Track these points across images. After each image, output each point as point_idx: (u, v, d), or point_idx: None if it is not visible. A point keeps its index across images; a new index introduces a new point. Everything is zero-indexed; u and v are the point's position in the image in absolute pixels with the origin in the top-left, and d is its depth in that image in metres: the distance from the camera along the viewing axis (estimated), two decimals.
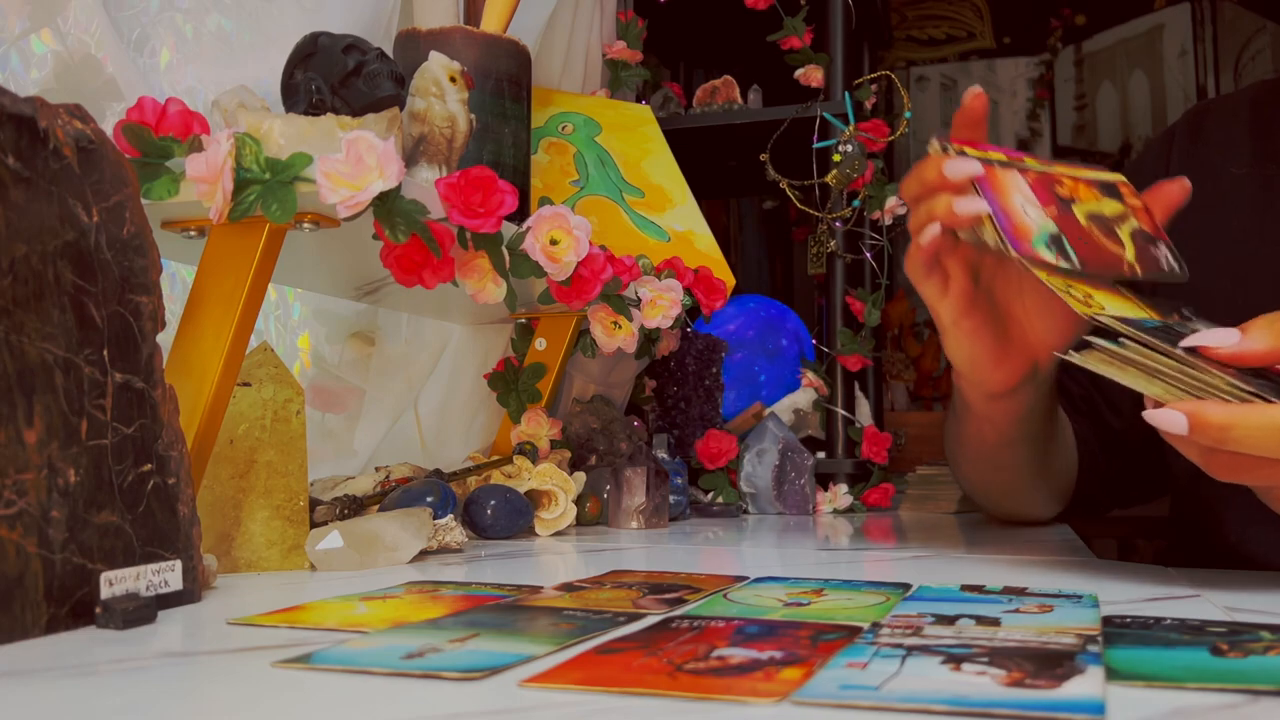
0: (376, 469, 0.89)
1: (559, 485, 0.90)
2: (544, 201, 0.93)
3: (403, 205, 0.64)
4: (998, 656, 0.38)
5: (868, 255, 1.31)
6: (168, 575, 0.50)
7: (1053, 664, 0.37)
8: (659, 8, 1.46)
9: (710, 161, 1.53)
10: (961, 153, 0.64)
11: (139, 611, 0.46)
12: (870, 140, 1.27)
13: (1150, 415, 0.53)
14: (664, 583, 0.58)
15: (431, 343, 1.09)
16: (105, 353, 0.48)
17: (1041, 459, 0.84)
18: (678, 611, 0.49)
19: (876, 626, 0.44)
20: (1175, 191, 0.68)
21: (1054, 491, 0.90)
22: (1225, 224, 0.82)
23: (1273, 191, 0.81)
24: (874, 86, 1.35)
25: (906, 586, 0.56)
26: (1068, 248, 0.61)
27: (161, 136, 0.61)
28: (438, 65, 0.80)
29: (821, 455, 1.29)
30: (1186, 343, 0.52)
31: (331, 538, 0.64)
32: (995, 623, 0.45)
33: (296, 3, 0.93)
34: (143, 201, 0.53)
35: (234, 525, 0.63)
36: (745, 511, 1.17)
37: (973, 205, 0.62)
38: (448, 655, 0.39)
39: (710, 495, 1.19)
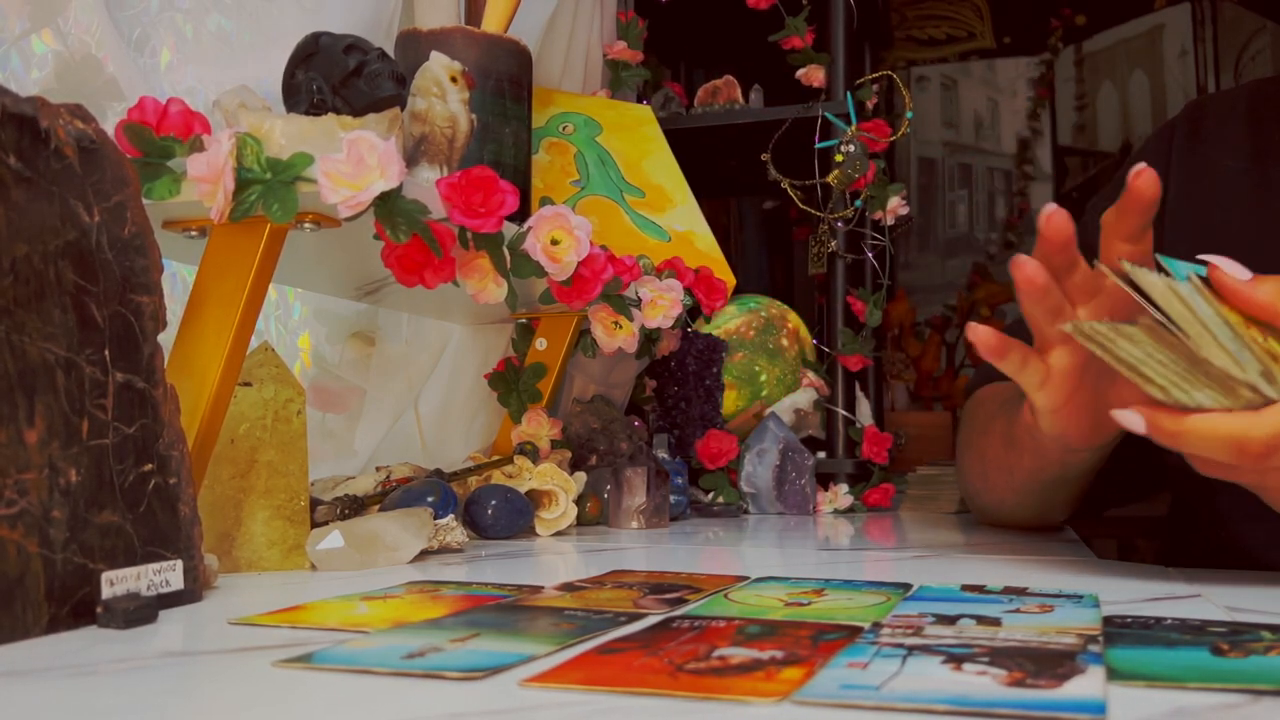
0: (377, 469, 0.89)
1: (559, 485, 0.90)
2: (545, 201, 0.93)
3: (404, 205, 0.64)
4: (998, 656, 0.38)
5: (869, 255, 1.31)
6: (169, 575, 0.50)
7: (1054, 664, 0.37)
8: (659, 8, 1.46)
9: (711, 161, 1.53)
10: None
11: (140, 611, 0.46)
12: (872, 140, 1.27)
13: (1115, 414, 0.55)
14: (665, 583, 0.58)
15: (432, 343, 1.09)
16: (106, 352, 0.48)
17: (1084, 487, 0.83)
18: (678, 611, 0.49)
19: (877, 626, 0.44)
20: (1145, 191, 0.59)
21: (1074, 504, 0.89)
22: (1223, 219, 0.82)
23: (1270, 187, 0.81)
24: (875, 86, 1.34)
25: (907, 586, 0.56)
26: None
27: (163, 136, 0.61)
28: (439, 65, 0.80)
29: (822, 455, 1.29)
30: (1203, 255, 0.53)
31: (332, 538, 0.64)
32: (996, 623, 0.45)
33: (297, 3, 0.93)
34: (144, 201, 0.53)
35: (235, 525, 0.63)
36: (746, 511, 1.17)
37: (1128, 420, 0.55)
38: (448, 655, 0.39)
39: (711, 495, 1.19)
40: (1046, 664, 0.37)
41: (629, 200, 1.22)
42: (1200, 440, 0.52)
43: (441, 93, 0.80)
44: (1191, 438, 0.52)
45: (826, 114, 1.28)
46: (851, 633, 0.43)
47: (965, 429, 0.96)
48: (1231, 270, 0.53)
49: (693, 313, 1.12)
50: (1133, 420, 0.54)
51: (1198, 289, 0.53)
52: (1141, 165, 0.57)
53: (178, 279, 0.90)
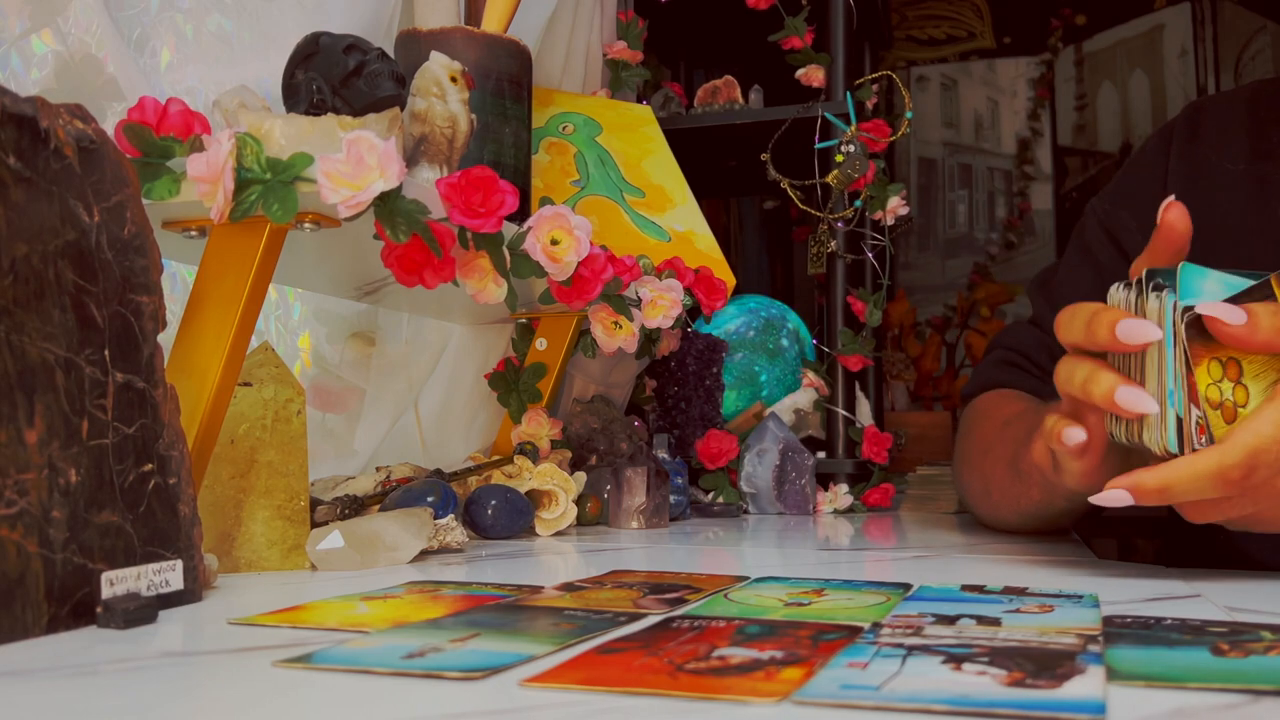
0: (377, 469, 0.89)
1: (559, 485, 0.90)
2: (545, 201, 0.93)
3: (404, 205, 0.64)
4: (998, 656, 0.38)
5: (869, 255, 1.31)
6: (169, 575, 0.50)
7: (1053, 664, 0.37)
8: (659, 8, 1.46)
9: (711, 161, 1.53)
10: (1156, 286, 0.55)
11: (140, 611, 0.46)
12: (872, 140, 1.27)
13: (1096, 499, 0.56)
14: (665, 583, 0.58)
15: (432, 343, 1.09)
16: (106, 353, 0.48)
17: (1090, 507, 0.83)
18: (678, 611, 0.49)
19: (877, 626, 0.44)
20: (1176, 225, 0.58)
21: (1077, 519, 0.89)
22: (1222, 220, 0.82)
23: (1269, 188, 0.81)
24: (875, 86, 1.35)
25: (907, 586, 0.57)
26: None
27: (162, 136, 0.61)
28: (438, 65, 0.80)
29: (822, 455, 1.29)
30: (1200, 309, 0.54)
31: (332, 538, 0.64)
32: (996, 623, 0.45)
33: (297, 3, 0.93)
34: (144, 201, 0.53)
35: (235, 525, 0.63)
36: (745, 511, 1.17)
37: (1139, 402, 0.54)
38: (449, 655, 0.39)
39: (711, 495, 1.19)
40: (1046, 664, 0.37)
41: (629, 200, 1.22)
42: (1186, 484, 0.53)
43: (441, 93, 0.80)
44: (1178, 486, 0.53)
45: (826, 114, 1.28)
46: (851, 633, 0.43)
47: (964, 441, 0.95)
48: (1229, 317, 0.53)
49: (693, 313, 1.12)
50: (1119, 497, 0.55)
51: (1176, 327, 0.54)
52: (1171, 199, 0.57)
53: (178, 279, 0.90)
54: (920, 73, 3.38)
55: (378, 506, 0.78)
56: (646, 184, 1.24)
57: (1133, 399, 0.54)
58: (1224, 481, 0.53)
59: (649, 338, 1.13)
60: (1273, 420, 0.52)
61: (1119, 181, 0.92)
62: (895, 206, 1.30)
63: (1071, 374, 0.58)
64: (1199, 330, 0.54)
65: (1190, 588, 0.57)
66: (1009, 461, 0.80)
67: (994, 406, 0.90)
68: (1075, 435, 0.58)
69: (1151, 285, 0.55)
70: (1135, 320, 0.54)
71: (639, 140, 1.27)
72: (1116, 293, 0.57)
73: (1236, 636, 0.42)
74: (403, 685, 0.35)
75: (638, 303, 0.97)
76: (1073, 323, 0.58)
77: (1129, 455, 0.61)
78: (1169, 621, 0.46)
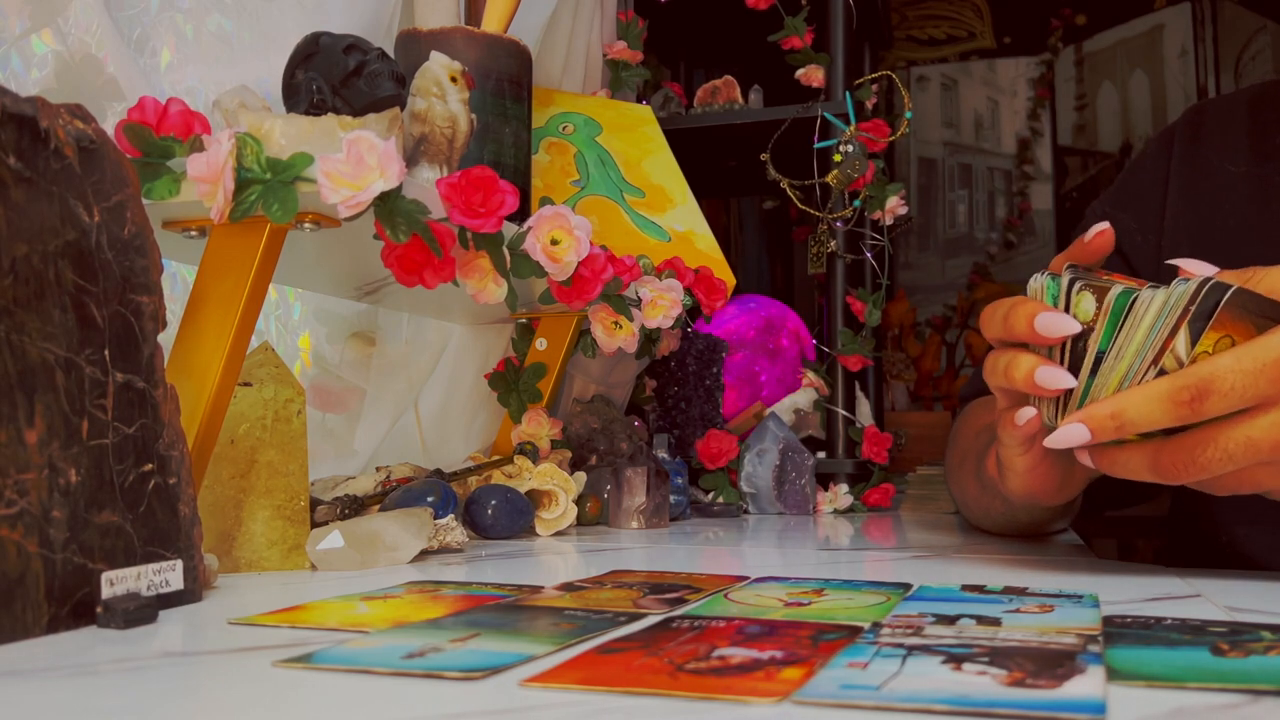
0: (377, 469, 0.89)
1: (559, 485, 0.90)
2: (545, 201, 0.93)
3: (404, 205, 0.64)
4: (998, 656, 0.38)
5: (868, 255, 1.31)
6: (169, 575, 0.50)
7: (1053, 664, 0.37)
8: (659, 8, 1.46)
9: (710, 161, 1.53)
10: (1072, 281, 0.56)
11: (140, 611, 0.46)
12: (871, 140, 1.27)
13: (1050, 441, 0.55)
14: (665, 583, 0.58)
15: (432, 343, 1.09)
16: (106, 352, 0.48)
17: (1068, 514, 0.84)
18: (678, 611, 0.49)
19: (877, 626, 0.44)
20: (1104, 248, 0.60)
21: (1060, 521, 0.90)
22: (1223, 222, 0.82)
23: (1269, 190, 0.81)
24: (875, 86, 1.35)
25: (907, 586, 0.57)
26: None
27: (163, 136, 0.61)
28: (439, 65, 0.80)
29: (822, 455, 1.29)
30: (1172, 260, 0.55)
31: (332, 537, 0.64)
32: (996, 623, 0.45)
33: (297, 3, 0.93)
34: (144, 201, 0.53)
35: (235, 525, 0.63)
36: (745, 511, 1.17)
37: (1057, 379, 0.55)
38: (449, 655, 0.39)
39: (711, 495, 1.19)
40: (1046, 664, 0.37)
41: (629, 200, 1.22)
42: (1139, 407, 0.53)
43: (441, 93, 0.80)
44: (1130, 410, 0.53)
45: (825, 114, 1.28)
46: (851, 633, 0.43)
47: (949, 448, 0.96)
48: (1196, 267, 0.54)
49: (693, 313, 1.12)
50: (1075, 432, 0.54)
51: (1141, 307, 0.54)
52: (1104, 225, 0.58)
53: (178, 279, 0.90)
54: (920, 73, 3.38)
55: (378, 506, 0.78)
56: (646, 184, 1.24)
57: (1051, 377, 0.55)
58: (1175, 403, 0.52)
59: (649, 338, 1.13)
60: (1232, 356, 0.52)
61: (1120, 184, 0.92)
62: (894, 206, 1.30)
63: (994, 364, 0.58)
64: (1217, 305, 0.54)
65: (1190, 588, 0.57)
66: (975, 476, 0.81)
67: (975, 416, 0.91)
68: (1025, 414, 0.58)
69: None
70: (1053, 313, 0.55)
71: (639, 140, 1.27)
72: (1036, 281, 0.57)
73: (1236, 636, 0.42)
74: (403, 685, 0.35)
75: (638, 303, 0.97)
76: (993, 317, 0.58)
77: (1071, 463, 0.61)
78: (1169, 621, 0.46)
